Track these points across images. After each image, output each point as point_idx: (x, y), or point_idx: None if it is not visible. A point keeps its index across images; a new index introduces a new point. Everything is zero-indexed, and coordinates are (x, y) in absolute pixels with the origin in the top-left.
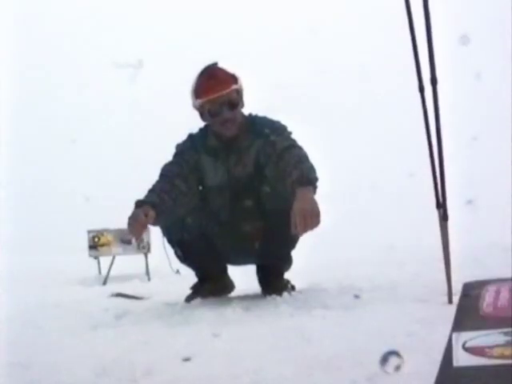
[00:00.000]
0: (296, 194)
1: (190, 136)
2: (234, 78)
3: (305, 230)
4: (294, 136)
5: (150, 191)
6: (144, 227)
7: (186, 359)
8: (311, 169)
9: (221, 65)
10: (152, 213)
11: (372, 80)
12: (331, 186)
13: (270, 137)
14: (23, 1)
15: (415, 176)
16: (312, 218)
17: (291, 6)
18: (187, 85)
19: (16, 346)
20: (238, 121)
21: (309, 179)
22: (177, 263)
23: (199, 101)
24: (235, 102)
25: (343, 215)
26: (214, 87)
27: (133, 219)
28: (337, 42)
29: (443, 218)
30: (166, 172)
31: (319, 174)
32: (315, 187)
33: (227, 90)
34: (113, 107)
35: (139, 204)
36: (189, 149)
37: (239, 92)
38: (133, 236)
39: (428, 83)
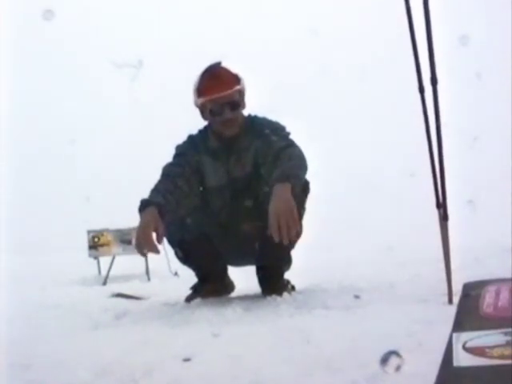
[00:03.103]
0: (272, 192)
1: (190, 137)
2: (237, 79)
3: (281, 235)
4: (292, 136)
5: (154, 191)
6: (156, 248)
7: (186, 359)
8: (295, 166)
9: (224, 64)
10: (162, 226)
11: (372, 80)
12: (331, 186)
13: (270, 137)
14: (23, 0)
15: (415, 176)
16: (288, 220)
17: (291, 5)
18: (187, 85)
19: (16, 346)
20: (239, 121)
21: (286, 175)
22: (176, 265)
23: (201, 99)
24: (237, 102)
25: (343, 215)
26: (217, 87)
27: (144, 240)
28: (337, 42)
29: (443, 218)
30: (169, 172)
31: (319, 174)
32: (295, 184)
33: (230, 91)
34: (113, 107)
35: (145, 203)
36: (189, 150)
37: (241, 93)
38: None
39: (428, 83)
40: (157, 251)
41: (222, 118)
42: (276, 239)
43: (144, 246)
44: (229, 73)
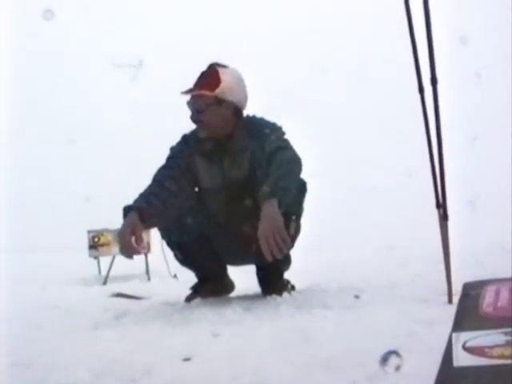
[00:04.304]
0: (261, 212)
1: (184, 137)
2: (213, 84)
3: (270, 254)
4: (292, 136)
5: (139, 196)
6: (136, 250)
7: (186, 359)
8: (283, 176)
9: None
10: (139, 229)
11: (372, 80)
12: (331, 186)
13: (269, 137)
14: (23, 1)
15: (415, 176)
16: (276, 238)
17: (291, 5)
18: (187, 85)
19: (16, 346)
20: (209, 125)
21: (273, 192)
22: (175, 267)
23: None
24: (199, 107)
25: (343, 215)
26: (194, 87)
27: (122, 245)
28: (337, 42)
29: (443, 217)
30: (157, 176)
31: (319, 174)
32: (283, 197)
33: (195, 93)
34: (113, 107)
35: (126, 209)
36: (182, 151)
37: (218, 98)
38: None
39: (428, 83)
40: (138, 252)
41: (192, 118)
42: (269, 259)
43: (125, 250)
44: (210, 76)
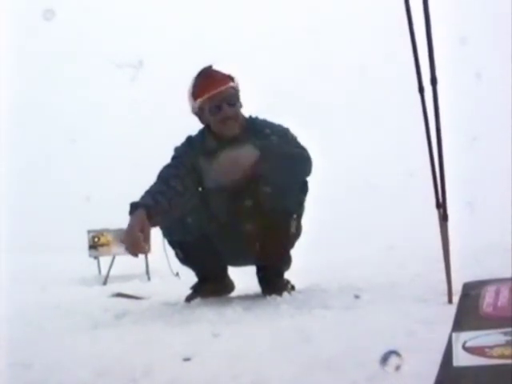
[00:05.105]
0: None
1: (189, 138)
2: (229, 77)
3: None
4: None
5: (146, 193)
6: (143, 248)
7: (186, 359)
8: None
9: (219, 66)
10: (147, 226)
11: (372, 80)
12: (331, 186)
13: (270, 137)
14: (23, 1)
15: (415, 176)
16: None
17: (291, 5)
18: (187, 85)
19: (16, 346)
20: (239, 119)
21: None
22: (176, 265)
23: (199, 100)
24: (234, 98)
25: (343, 215)
26: (212, 85)
27: (130, 242)
28: (337, 42)
29: (443, 217)
30: (163, 174)
31: (319, 174)
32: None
33: (225, 86)
34: (113, 107)
35: (134, 206)
36: (186, 151)
37: (236, 91)
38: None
39: (428, 83)
40: (144, 251)
41: (221, 116)
42: None
43: (131, 248)
44: (221, 73)
